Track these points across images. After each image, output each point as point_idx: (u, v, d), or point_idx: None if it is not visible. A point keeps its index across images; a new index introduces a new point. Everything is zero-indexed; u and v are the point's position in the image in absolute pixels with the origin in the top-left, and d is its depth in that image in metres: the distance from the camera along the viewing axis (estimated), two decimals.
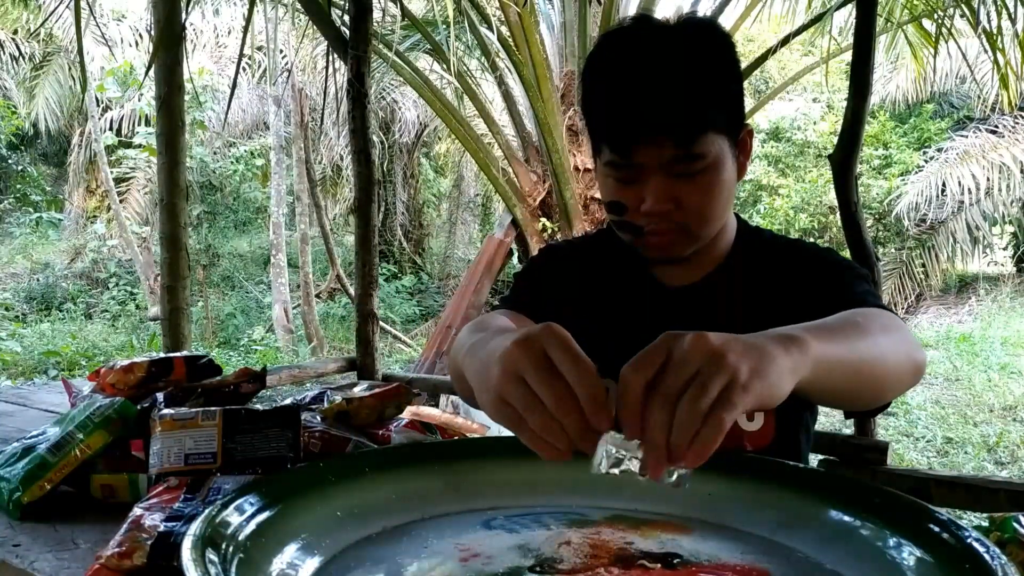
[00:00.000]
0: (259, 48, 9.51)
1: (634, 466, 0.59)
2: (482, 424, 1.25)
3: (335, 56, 3.18)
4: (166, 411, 0.90)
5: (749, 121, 1.05)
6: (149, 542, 0.72)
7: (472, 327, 0.93)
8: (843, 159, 2.35)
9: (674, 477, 0.59)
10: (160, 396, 1.00)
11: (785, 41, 4.73)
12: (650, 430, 0.57)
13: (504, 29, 5.26)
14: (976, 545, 0.59)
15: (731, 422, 0.57)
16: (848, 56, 3.13)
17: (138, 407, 0.99)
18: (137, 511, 0.77)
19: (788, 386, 0.63)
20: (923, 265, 9.83)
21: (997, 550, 0.58)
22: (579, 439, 0.59)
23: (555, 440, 0.59)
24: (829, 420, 5.42)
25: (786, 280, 1.05)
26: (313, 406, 1.09)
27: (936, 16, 3.80)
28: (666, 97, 0.91)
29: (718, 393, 0.56)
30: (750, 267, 1.08)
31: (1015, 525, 0.68)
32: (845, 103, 2.43)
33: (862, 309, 0.88)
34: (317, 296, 10.02)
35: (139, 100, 9.79)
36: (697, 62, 0.93)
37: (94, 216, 12.02)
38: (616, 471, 0.60)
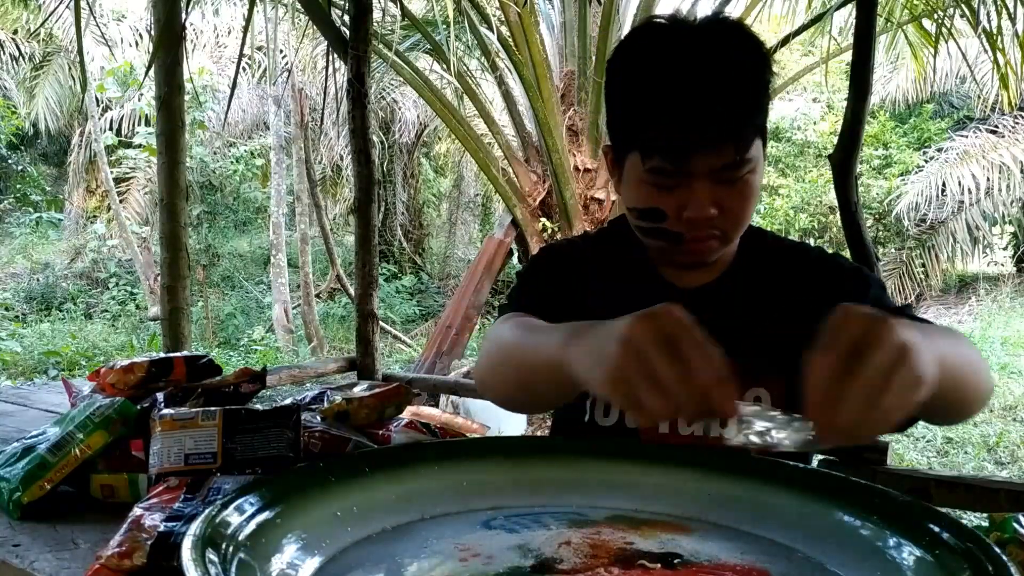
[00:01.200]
0: (259, 48, 9.51)
1: (783, 438, 0.63)
2: (482, 424, 1.25)
3: (335, 56, 3.18)
4: (166, 411, 0.90)
5: None
6: (149, 542, 0.72)
7: (511, 325, 0.93)
8: (843, 159, 2.35)
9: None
10: (160, 396, 1.00)
11: (785, 41, 4.71)
12: (843, 417, 0.59)
13: (504, 29, 5.26)
14: (976, 545, 0.59)
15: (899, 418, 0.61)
16: (848, 56, 3.13)
17: (138, 407, 0.99)
18: (137, 511, 0.77)
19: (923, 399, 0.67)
20: (923, 265, 9.83)
21: (997, 550, 0.58)
22: (695, 418, 0.65)
23: (667, 416, 0.62)
24: None
25: (796, 282, 1.05)
26: (313, 406, 1.09)
27: (936, 16, 3.80)
28: (724, 104, 0.89)
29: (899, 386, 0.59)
30: (759, 268, 1.08)
31: (1015, 525, 0.68)
32: (845, 103, 2.43)
33: (954, 332, 0.88)
34: (317, 296, 10.02)
35: (139, 100, 9.79)
36: (740, 65, 0.92)
37: (94, 216, 12.02)
38: (756, 440, 0.64)
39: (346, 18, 2.99)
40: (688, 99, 0.89)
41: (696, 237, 0.96)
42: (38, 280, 10.95)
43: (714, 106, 0.89)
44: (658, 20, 0.96)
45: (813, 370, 0.60)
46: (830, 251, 1.13)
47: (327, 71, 3.50)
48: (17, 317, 9.65)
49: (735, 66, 0.91)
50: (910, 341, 0.60)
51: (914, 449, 5.50)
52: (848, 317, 0.61)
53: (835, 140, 2.46)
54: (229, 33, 10.76)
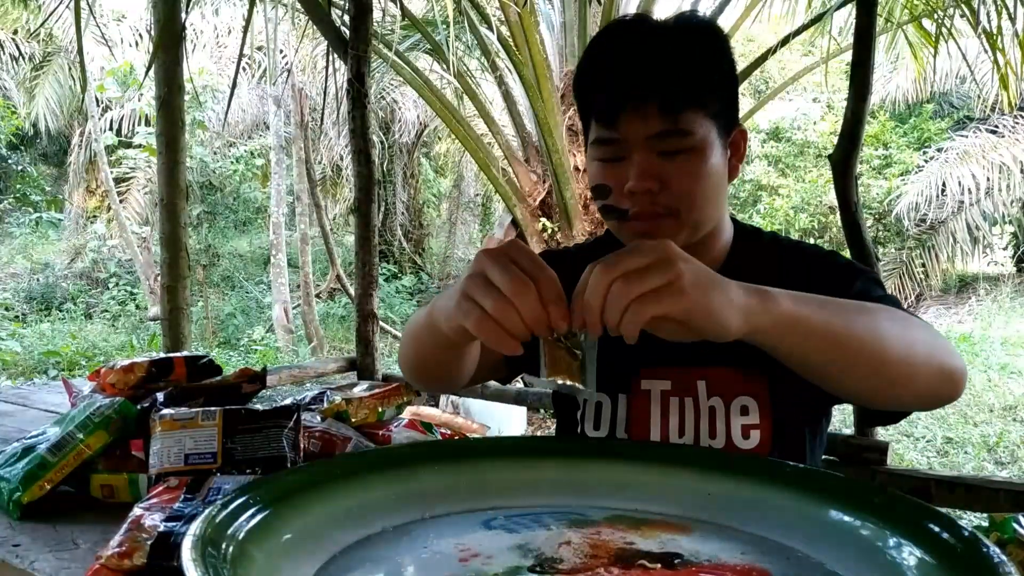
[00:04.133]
0: (259, 48, 9.51)
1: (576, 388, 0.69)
2: (482, 424, 1.25)
3: (335, 56, 3.18)
4: (166, 411, 0.90)
5: (749, 122, 1.05)
6: (149, 542, 0.72)
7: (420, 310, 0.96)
8: (843, 159, 2.35)
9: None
10: (160, 396, 1.00)
11: (785, 41, 4.72)
12: (587, 294, 0.65)
13: (504, 29, 5.26)
14: (976, 545, 0.59)
15: (652, 315, 0.64)
16: (848, 56, 3.13)
17: (138, 407, 0.99)
18: (137, 511, 0.77)
19: (733, 323, 0.69)
20: (923, 265, 9.83)
21: (997, 550, 0.58)
22: (535, 323, 0.66)
23: (511, 325, 0.66)
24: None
25: (792, 285, 1.02)
26: (313, 406, 1.09)
27: (936, 16, 3.80)
28: (655, 66, 0.92)
29: (653, 288, 0.64)
30: (751, 271, 1.03)
31: (1015, 525, 0.68)
32: (845, 103, 2.43)
33: (890, 308, 0.84)
34: (317, 296, 10.02)
35: (139, 100, 9.80)
36: (689, 45, 0.95)
37: (94, 216, 12.03)
38: (557, 383, 0.69)
39: (346, 18, 2.99)
40: (620, 62, 0.95)
41: (639, 213, 0.96)
42: (38, 280, 10.95)
43: (643, 68, 0.93)
44: (634, 15, 1.01)
45: (584, 276, 0.66)
46: (828, 248, 1.11)
47: (327, 71, 3.50)
48: (17, 317, 9.64)
49: (673, 42, 0.95)
50: (679, 255, 0.65)
51: (914, 449, 5.50)
52: (635, 243, 0.67)
53: (835, 140, 2.46)
54: (229, 33, 10.76)
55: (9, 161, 11.50)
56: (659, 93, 0.91)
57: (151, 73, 2.65)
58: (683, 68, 0.93)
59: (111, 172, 9.89)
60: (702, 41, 0.96)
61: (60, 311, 10.25)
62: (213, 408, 0.89)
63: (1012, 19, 3.19)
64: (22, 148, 12.17)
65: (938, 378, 0.82)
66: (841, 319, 0.76)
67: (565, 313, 0.66)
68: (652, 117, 0.92)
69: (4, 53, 10.61)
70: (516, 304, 0.65)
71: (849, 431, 2.54)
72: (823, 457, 1.95)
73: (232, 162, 11.08)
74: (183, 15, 2.67)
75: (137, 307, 10.21)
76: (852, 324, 0.77)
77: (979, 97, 9.03)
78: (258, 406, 0.94)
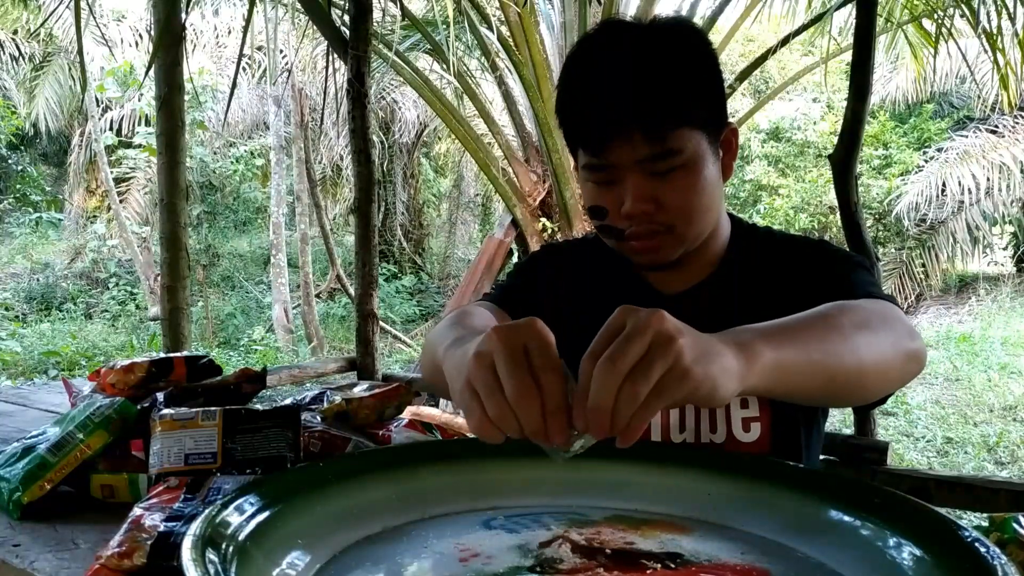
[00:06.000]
0: (259, 48, 9.51)
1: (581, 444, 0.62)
2: None
3: (335, 56, 3.18)
4: (166, 411, 0.90)
5: (749, 122, 1.03)
6: (149, 542, 0.72)
7: (453, 320, 0.92)
8: (843, 159, 2.35)
9: (577, 445, 0.61)
10: (160, 396, 1.00)
11: (785, 41, 4.73)
12: (593, 402, 0.57)
13: (504, 29, 5.27)
14: (976, 545, 0.59)
15: (659, 409, 0.59)
16: (848, 56, 3.13)
17: (138, 407, 0.99)
18: (137, 511, 0.77)
19: (732, 389, 0.63)
20: (923, 265, 9.83)
21: (997, 550, 0.58)
22: (534, 435, 0.60)
23: (506, 427, 0.60)
24: (829, 420, 5.41)
25: (785, 277, 1.02)
26: (313, 406, 1.09)
27: (936, 16, 3.80)
28: (636, 92, 0.90)
29: (658, 379, 0.58)
30: (747, 268, 1.05)
31: (1015, 525, 0.68)
32: (845, 103, 2.43)
33: (845, 303, 0.83)
34: (317, 296, 10.02)
35: (139, 100, 9.79)
36: (668, 58, 0.92)
37: (94, 216, 12.03)
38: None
39: (346, 18, 2.99)
40: (599, 90, 0.92)
41: (637, 233, 0.96)
42: (38, 280, 10.94)
43: (623, 95, 0.90)
44: (606, 23, 0.98)
45: (581, 377, 0.58)
46: (820, 239, 1.10)
47: (327, 71, 3.50)
48: (17, 317, 9.64)
49: (652, 59, 0.91)
50: (676, 330, 0.58)
51: (914, 449, 5.50)
52: (620, 312, 0.59)
53: (835, 140, 2.46)
54: (229, 33, 10.76)
55: (9, 161, 11.50)
56: (642, 119, 0.90)
57: (151, 73, 2.65)
58: (664, 87, 0.90)
59: (111, 172, 9.89)
60: (680, 49, 0.93)
61: (60, 311, 10.25)
62: (213, 408, 0.89)
63: (1012, 19, 3.19)
64: (22, 148, 12.17)
65: (906, 365, 0.83)
66: (818, 351, 0.73)
67: (564, 427, 0.60)
68: (639, 143, 0.91)
69: (4, 53, 10.60)
70: (518, 414, 0.59)
71: (849, 431, 2.54)
72: (823, 457, 1.96)
73: (232, 162, 11.07)
74: (183, 15, 2.67)
75: (137, 307, 10.21)
76: (828, 352, 0.74)
77: (979, 97, 9.03)
78: (258, 406, 0.94)
